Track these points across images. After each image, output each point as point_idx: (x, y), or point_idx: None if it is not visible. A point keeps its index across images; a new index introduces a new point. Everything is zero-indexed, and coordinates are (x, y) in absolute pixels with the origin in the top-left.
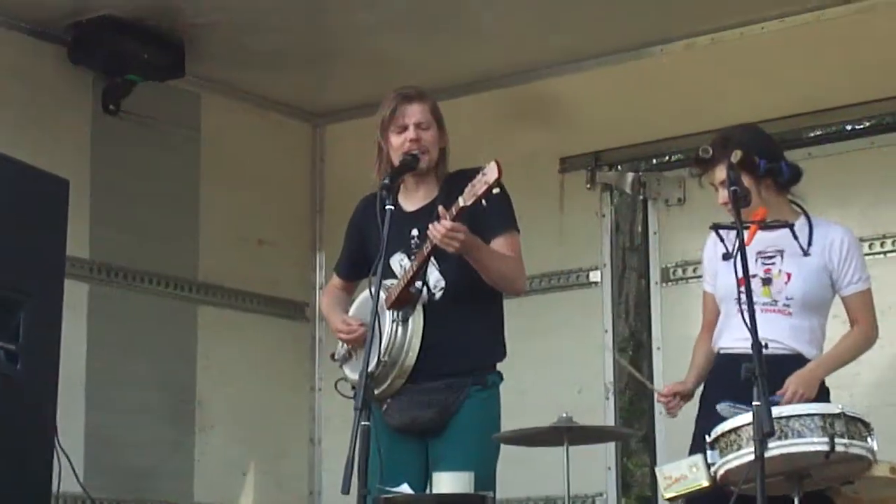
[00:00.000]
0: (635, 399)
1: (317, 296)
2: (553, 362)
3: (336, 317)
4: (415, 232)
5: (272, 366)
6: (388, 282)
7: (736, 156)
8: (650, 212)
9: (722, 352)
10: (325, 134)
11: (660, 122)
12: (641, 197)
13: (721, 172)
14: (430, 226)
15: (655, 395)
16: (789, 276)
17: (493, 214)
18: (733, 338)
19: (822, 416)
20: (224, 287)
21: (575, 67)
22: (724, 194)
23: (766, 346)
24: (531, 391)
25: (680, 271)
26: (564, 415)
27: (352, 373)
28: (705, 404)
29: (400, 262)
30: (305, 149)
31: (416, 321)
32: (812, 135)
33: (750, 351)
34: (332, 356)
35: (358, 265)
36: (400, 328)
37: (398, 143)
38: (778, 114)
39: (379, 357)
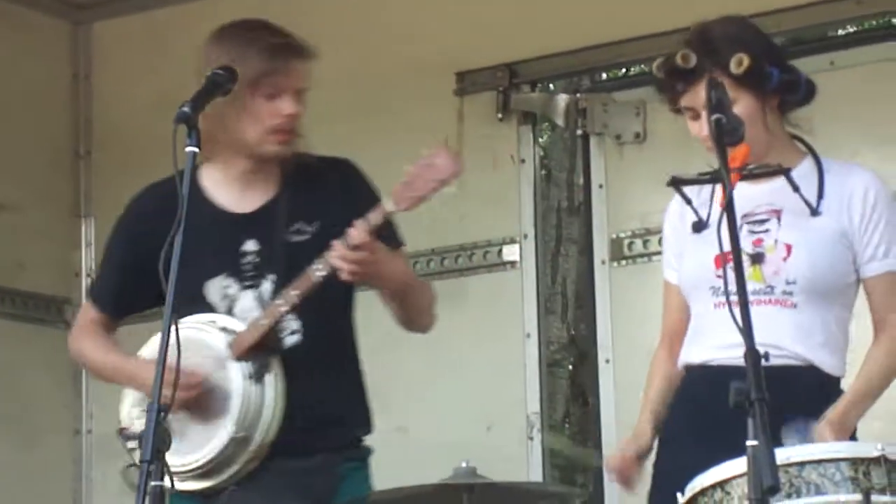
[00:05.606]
0: (577, 437)
1: (83, 286)
2: (447, 386)
3: (139, 362)
4: (250, 245)
5: (14, 398)
6: (204, 317)
7: (740, 63)
8: (594, 154)
9: (694, 368)
10: (92, 36)
11: (606, 17)
12: (580, 132)
13: (703, 92)
14: (336, 244)
15: (604, 469)
16: (789, 248)
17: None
18: (711, 345)
19: (853, 461)
20: None
21: None
22: (704, 126)
23: (767, 357)
24: (416, 429)
25: (640, 243)
26: (464, 464)
27: (178, 460)
28: (670, 442)
29: (225, 290)
30: (61, 59)
31: (278, 378)
32: (840, 32)
33: (737, 363)
34: (122, 432)
35: (134, 290)
36: (254, 388)
37: (265, 114)
38: (788, 2)
39: (231, 431)
